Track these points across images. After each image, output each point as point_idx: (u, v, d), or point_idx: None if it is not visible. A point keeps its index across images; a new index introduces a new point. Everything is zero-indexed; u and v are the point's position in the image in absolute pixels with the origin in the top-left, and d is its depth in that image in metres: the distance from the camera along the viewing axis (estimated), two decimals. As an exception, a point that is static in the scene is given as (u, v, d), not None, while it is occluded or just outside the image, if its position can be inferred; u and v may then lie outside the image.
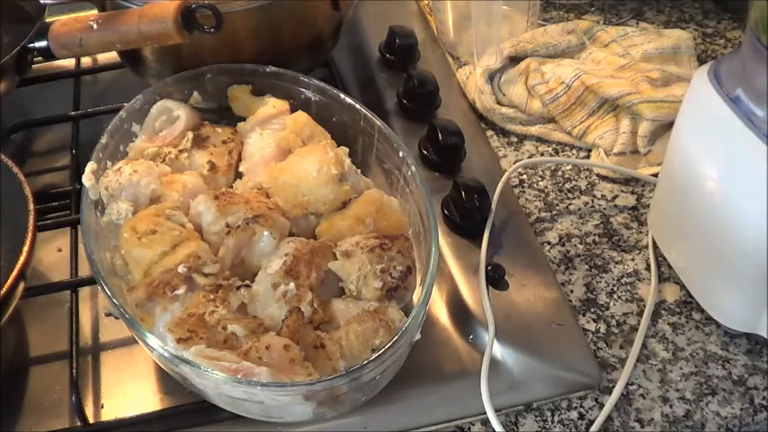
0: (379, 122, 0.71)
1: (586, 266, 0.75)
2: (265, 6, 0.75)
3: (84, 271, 0.70)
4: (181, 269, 0.61)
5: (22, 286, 0.63)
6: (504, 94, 0.89)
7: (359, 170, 0.71)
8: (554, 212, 0.80)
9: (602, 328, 0.70)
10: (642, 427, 0.64)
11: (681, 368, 0.68)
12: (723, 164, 0.63)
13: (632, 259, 0.76)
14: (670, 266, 0.73)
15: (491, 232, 0.74)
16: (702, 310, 0.71)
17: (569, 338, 0.68)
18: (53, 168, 0.86)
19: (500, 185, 0.78)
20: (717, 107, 0.61)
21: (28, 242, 0.63)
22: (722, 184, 0.63)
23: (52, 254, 0.76)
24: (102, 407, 0.66)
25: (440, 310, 0.70)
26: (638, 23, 0.99)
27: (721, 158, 0.63)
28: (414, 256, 0.65)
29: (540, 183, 0.83)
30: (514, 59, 0.91)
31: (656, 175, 0.78)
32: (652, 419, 0.64)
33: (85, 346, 0.69)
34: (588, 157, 0.85)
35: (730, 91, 0.61)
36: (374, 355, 0.56)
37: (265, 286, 0.62)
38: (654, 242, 0.75)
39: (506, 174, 0.79)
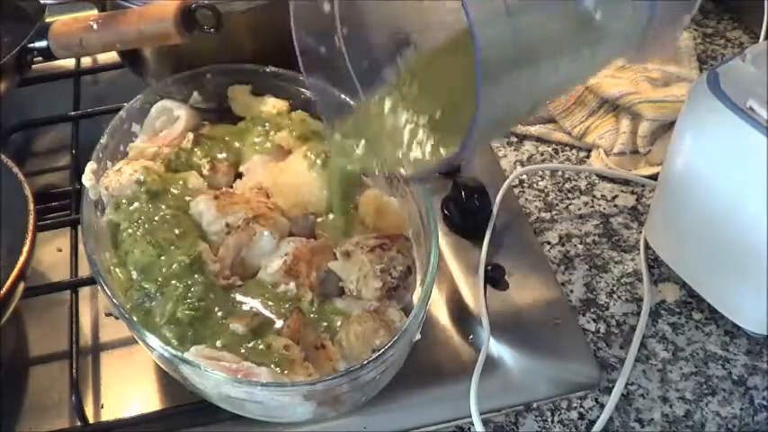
0: (378, 122, 0.71)
1: (586, 266, 0.75)
2: (265, 6, 0.75)
3: (84, 271, 0.70)
4: (181, 269, 0.61)
5: (21, 286, 0.63)
6: (504, 94, 0.89)
7: (359, 170, 0.71)
8: (554, 212, 0.80)
9: (602, 328, 0.70)
10: (642, 427, 0.64)
11: (681, 368, 0.68)
12: (730, 167, 0.62)
13: (632, 259, 0.75)
14: (670, 267, 0.73)
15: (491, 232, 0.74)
16: (702, 310, 0.71)
17: (569, 338, 0.68)
18: (53, 168, 0.86)
19: (502, 191, 0.77)
20: (719, 114, 0.61)
21: (28, 242, 0.63)
22: (728, 188, 0.63)
23: (52, 254, 0.76)
24: (102, 407, 0.65)
25: (440, 310, 0.70)
26: (637, 23, 0.99)
27: (727, 162, 0.63)
28: (414, 256, 0.65)
29: (540, 183, 0.83)
30: (514, 59, 0.91)
31: (654, 177, 0.77)
32: (652, 419, 0.64)
33: (85, 346, 0.69)
34: (588, 156, 0.85)
35: (738, 100, 0.60)
36: (374, 355, 0.55)
37: (265, 286, 0.62)
38: (646, 243, 0.75)
39: (507, 180, 0.79)
